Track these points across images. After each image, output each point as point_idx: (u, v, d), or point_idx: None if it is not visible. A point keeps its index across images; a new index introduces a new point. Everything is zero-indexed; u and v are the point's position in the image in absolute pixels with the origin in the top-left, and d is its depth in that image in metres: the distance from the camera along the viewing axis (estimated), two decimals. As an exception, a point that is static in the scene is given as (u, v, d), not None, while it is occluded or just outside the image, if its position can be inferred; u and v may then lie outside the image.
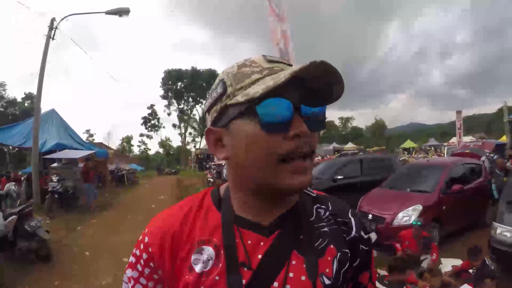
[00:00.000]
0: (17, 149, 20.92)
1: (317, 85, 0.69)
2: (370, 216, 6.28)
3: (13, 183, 10.78)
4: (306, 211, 0.81)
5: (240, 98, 0.68)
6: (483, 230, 6.25)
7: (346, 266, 0.78)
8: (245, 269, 0.71)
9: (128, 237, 7.76)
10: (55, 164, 13.38)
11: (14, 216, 5.80)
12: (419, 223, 5.14)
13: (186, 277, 0.73)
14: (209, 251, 0.74)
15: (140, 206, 12.85)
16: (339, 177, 9.13)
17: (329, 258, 0.76)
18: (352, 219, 0.83)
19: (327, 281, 0.73)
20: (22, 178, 13.62)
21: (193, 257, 0.74)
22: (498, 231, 4.76)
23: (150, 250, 0.76)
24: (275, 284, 0.71)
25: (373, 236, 5.78)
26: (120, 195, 16.62)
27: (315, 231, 0.79)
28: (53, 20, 12.24)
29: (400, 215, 5.90)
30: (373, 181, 8.39)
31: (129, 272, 0.80)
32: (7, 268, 5.61)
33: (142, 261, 0.77)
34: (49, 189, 10.96)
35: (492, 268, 4.34)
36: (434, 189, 6.44)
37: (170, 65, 74.28)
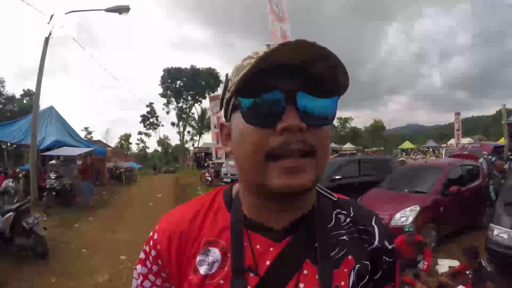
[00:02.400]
0: (15, 145, 20.82)
1: (319, 71, 0.62)
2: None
3: (11, 179, 10.74)
4: (324, 217, 0.74)
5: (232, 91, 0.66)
6: (480, 232, 6.27)
7: (366, 279, 0.71)
8: (252, 275, 0.67)
9: (125, 235, 7.78)
10: (53, 161, 13.36)
11: (11, 213, 5.78)
12: (411, 229, 5.05)
13: (190, 278, 0.70)
14: (215, 253, 0.70)
15: (137, 204, 12.87)
16: (337, 177, 9.14)
17: (345, 270, 0.69)
18: (376, 227, 0.76)
19: None
20: (20, 175, 13.59)
21: (198, 258, 0.71)
22: (495, 232, 4.77)
23: (158, 247, 0.75)
24: None
25: None
26: (118, 193, 16.58)
27: (332, 239, 0.72)
28: (52, 17, 12.20)
29: (398, 215, 5.89)
30: (371, 181, 8.41)
31: (139, 268, 0.79)
32: (4, 265, 5.60)
33: (150, 258, 0.76)
34: (46, 186, 10.90)
35: (489, 270, 4.34)
36: (431, 190, 6.46)
37: (170, 64, 74.19)
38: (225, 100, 0.71)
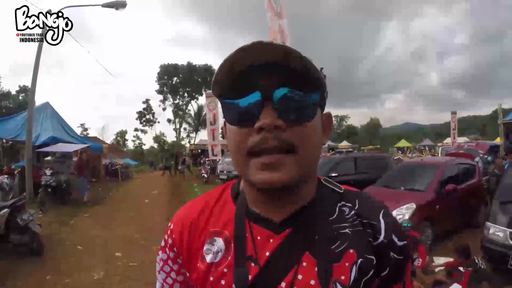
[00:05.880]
0: (10, 142, 20.71)
1: (294, 65, 0.62)
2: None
3: (6, 176, 10.69)
4: (325, 209, 0.74)
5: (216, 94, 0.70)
6: (476, 230, 6.29)
7: (370, 274, 0.69)
8: (253, 264, 0.69)
9: (121, 231, 7.76)
10: (48, 158, 13.31)
11: (6, 209, 5.74)
12: (408, 225, 5.08)
13: (198, 265, 0.75)
14: (219, 243, 0.74)
15: (133, 201, 12.84)
16: (333, 174, 9.15)
17: (346, 264, 0.68)
18: (382, 222, 0.72)
19: None
20: (16, 172, 13.53)
21: (205, 247, 0.75)
22: (491, 231, 4.79)
23: (174, 236, 0.80)
24: (282, 284, 0.67)
25: None
26: (114, 189, 16.53)
27: (333, 232, 0.71)
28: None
29: (394, 213, 5.89)
30: (367, 179, 8.42)
31: (160, 254, 0.84)
32: (-2, 261, 5.58)
33: (168, 246, 0.82)
34: (42, 183, 10.85)
35: (483, 267, 4.35)
36: (427, 188, 6.46)
37: (166, 60, 74.03)
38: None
